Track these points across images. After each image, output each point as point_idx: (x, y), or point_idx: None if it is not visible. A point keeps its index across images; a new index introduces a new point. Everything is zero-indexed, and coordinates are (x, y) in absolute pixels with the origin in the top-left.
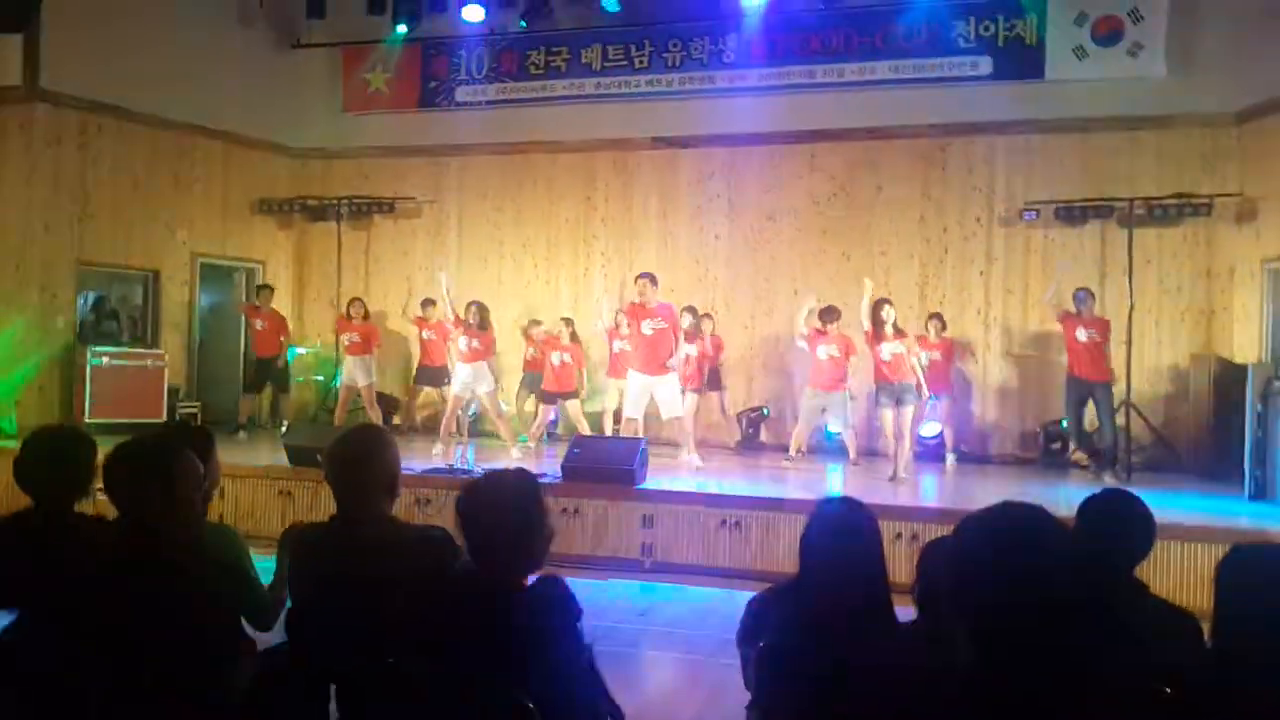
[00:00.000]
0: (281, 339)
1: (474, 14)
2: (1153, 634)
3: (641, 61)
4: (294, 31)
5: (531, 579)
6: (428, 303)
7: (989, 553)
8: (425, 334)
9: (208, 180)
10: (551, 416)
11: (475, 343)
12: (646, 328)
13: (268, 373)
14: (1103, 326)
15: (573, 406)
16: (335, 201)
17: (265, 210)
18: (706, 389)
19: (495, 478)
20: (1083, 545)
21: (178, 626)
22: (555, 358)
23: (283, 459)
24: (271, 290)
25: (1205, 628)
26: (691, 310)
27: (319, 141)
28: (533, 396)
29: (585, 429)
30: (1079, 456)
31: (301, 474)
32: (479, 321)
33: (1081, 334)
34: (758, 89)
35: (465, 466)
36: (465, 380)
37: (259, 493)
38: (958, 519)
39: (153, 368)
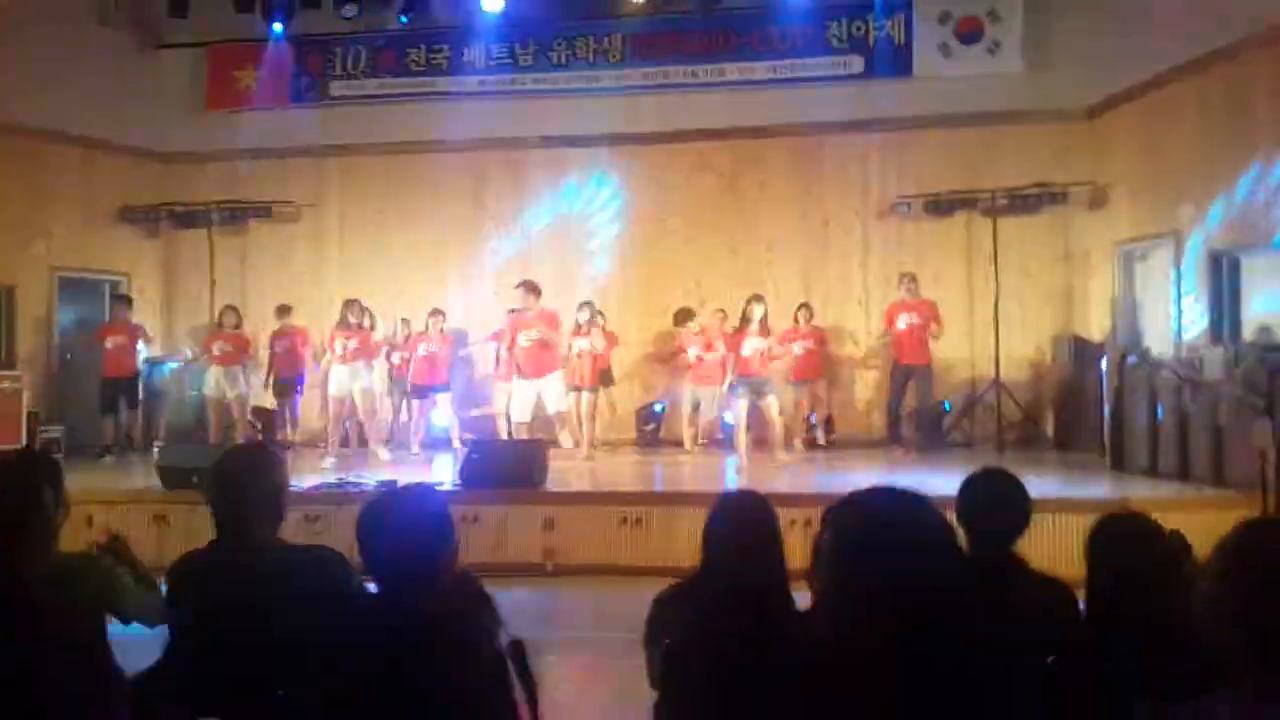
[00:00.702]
0: (135, 353)
1: (347, 9)
2: (1033, 606)
3: (526, 59)
4: (155, 31)
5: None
6: (283, 310)
7: (866, 539)
8: (279, 346)
9: (66, 189)
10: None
11: (353, 343)
12: (523, 339)
13: (118, 390)
14: (924, 310)
15: (444, 399)
16: (205, 207)
17: (130, 219)
18: (600, 385)
19: (397, 495)
20: (962, 523)
21: (40, 670)
22: (421, 348)
23: (155, 482)
24: (129, 301)
25: (1079, 595)
26: (588, 305)
27: (187, 145)
28: (405, 400)
29: (454, 426)
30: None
31: (177, 497)
32: (356, 322)
33: (902, 320)
34: (642, 87)
35: (355, 479)
36: (342, 381)
37: (131, 519)
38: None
39: (9, 390)
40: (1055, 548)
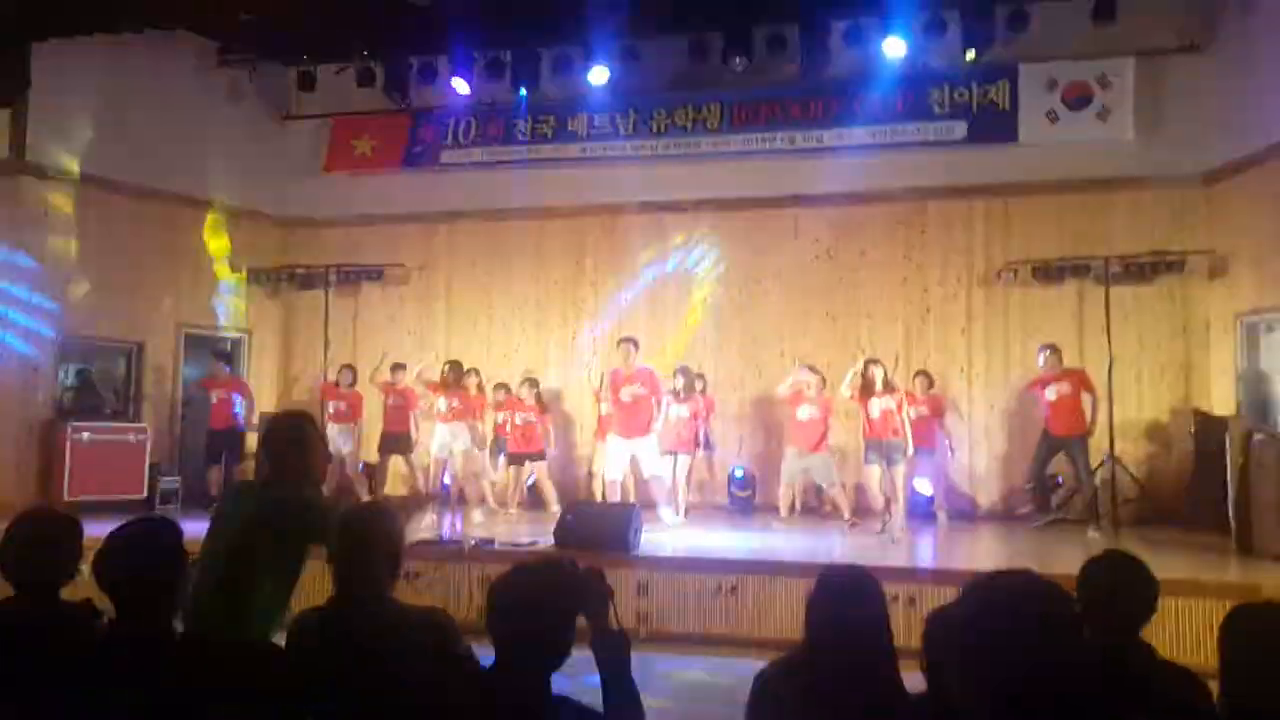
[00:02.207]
0: (236, 411)
1: (460, 86)
2: (1165, 698)
3: (626, 129)
4: (283, 104)
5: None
6: (397, 367)
7: (994, 630)
8: (391, 400)
9: (195, 250)
10: (528, 479)
11: (455, 402)
12: (625, 394)
13: (222, 443)
14: (1074, 379)
15: (540, 468)
16: (323, 269)
17: (253, 280)
18: (700, 450)
19: (530, 571)
20: (1088, 610)
21: None
22: (518, 418)
23: None
24: (227, 357)
25: (1211, 686)
26: (684, 371)
27: (307, 210)
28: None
29: (550, 492)
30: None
31: None
32: (456, 380)
33: (1050, 391)
34: (741, 154)
35: (455, 537)
36: (443, 441)
37: None
38: (955, 580)
39: (134, 442)
40: (1178, 633)
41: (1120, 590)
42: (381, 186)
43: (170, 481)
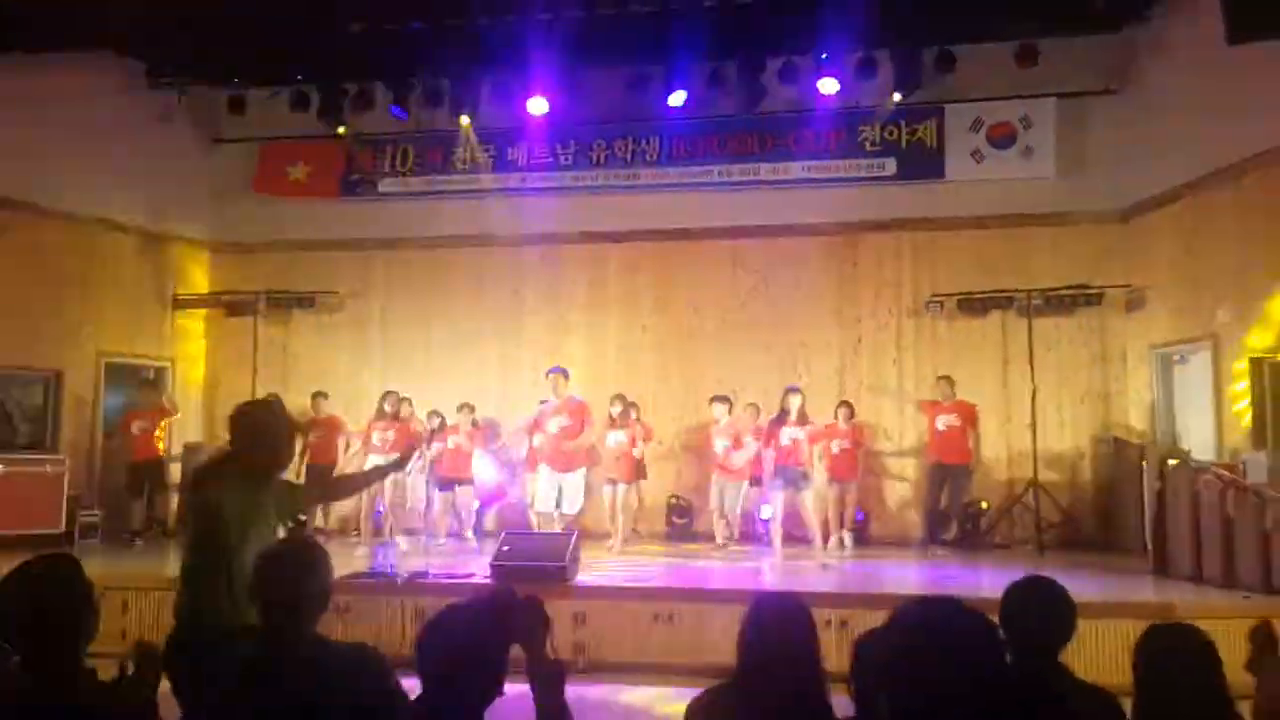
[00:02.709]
0: (157, 436)
1: (399, 112)
2: (1079, 717)
3: (566, 159)
4: (213, 127)
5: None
6: (319, 396)
7: (917, 654)
8: (313, 434)
9: (117, 276)
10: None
11: (390, 434)
12: (552, 425)
13: (144, 475)
14: (964, 411)
15: (464, 494)
16: (252, 295)
17: (179, 306)
18: (635, 479)
19: (455, 614)
20: (1009, 633)
21: None
22: (450, 441)
23: None
24: (154, 385)
25: (1125, 704)
26: (620, 398)
27: (236, 235)
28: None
29: (468, 520)
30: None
31: None
32: (394, 412)
33: (940, 421)
34: (679, 185)
35: (388, 569)
36: None
37: (165, 606)
38: (887, 604)
39: (51, 474)
40: (1098, 654)
41: (1040, 614)
42: (315, 212)
43: (90, 515)
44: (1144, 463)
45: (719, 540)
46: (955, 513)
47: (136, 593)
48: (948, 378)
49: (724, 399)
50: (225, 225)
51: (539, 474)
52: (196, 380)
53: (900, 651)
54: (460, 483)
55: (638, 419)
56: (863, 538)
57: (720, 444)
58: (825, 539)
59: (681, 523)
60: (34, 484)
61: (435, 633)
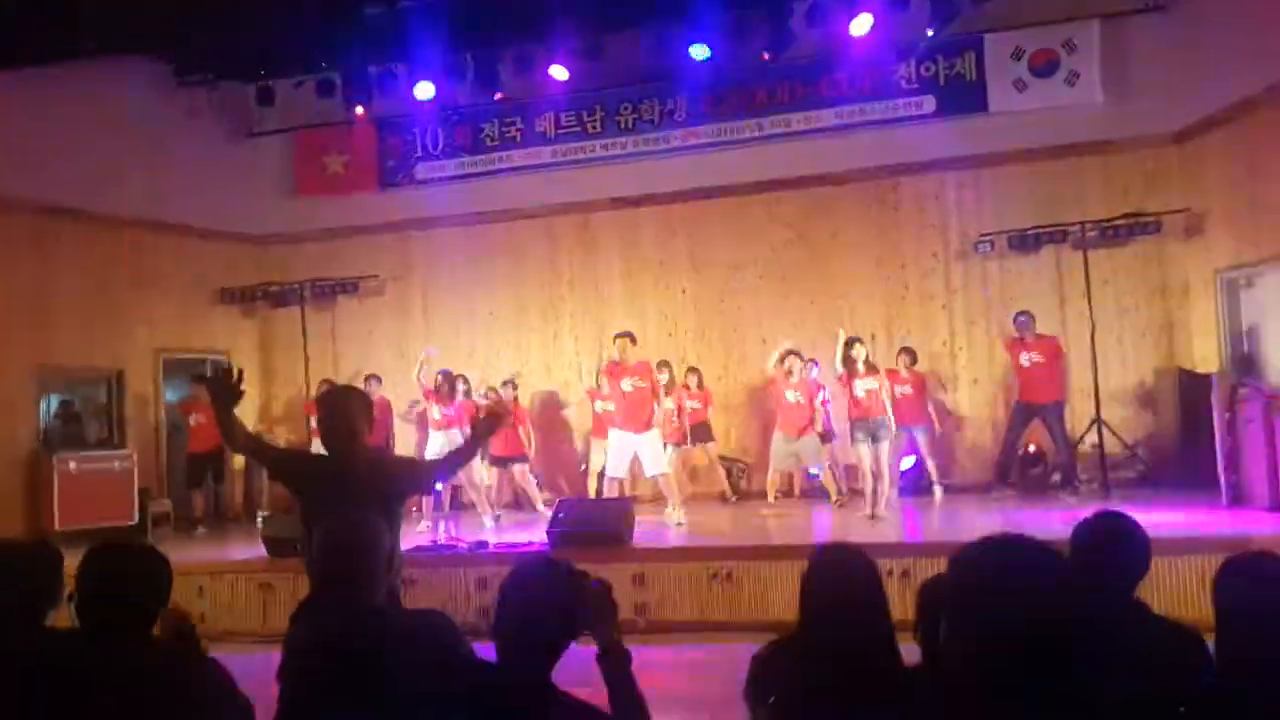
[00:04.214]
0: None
1: (424, 91)
2: (1160, 654)
3: (594, 126)
4: (246, 120)
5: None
6: (370, 379)
7: (985, 591)
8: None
9: (167, 274)
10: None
11: (449, 410)
12: (626, 385)
13: (204, 465)
14: (1048, 348)
15: (520, 470)
16: (297, 285)
17: (227, 300)
18: (693, 442)
19: (536, 566)
20: (1081, 571)
21: None
22: None
23: (259, 551)
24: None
25: (1208, 639)
26: (665, 365)
27: (278, 227)
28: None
29: (535, 493)
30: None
31: (280, 566)
32: (448, 390)
33: (1024, 358)
34: (709, 145)
35: (449, 542)
36: (438, 448)
37: (237, 588)
38: (946, 551)
39: (121, 469)
40: (1175, 591)
41: (1112, 548)
42: (352, 199)
43: (161, 505)
44: (1214, 393)
45: (770, 498)
46: (1062, 455)
47: (210, 577)
48: (1027, 312)
49: (796, 353)
50: (265, 217)
51: (610, 439)
52: (249, 371)
53: (963, 587)
54: (514, 460)
55: (700, 384)
56: (920, 486)
57: (793, 396)
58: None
59: (740, 480)
60: (105, 480)
61: (513, 587)
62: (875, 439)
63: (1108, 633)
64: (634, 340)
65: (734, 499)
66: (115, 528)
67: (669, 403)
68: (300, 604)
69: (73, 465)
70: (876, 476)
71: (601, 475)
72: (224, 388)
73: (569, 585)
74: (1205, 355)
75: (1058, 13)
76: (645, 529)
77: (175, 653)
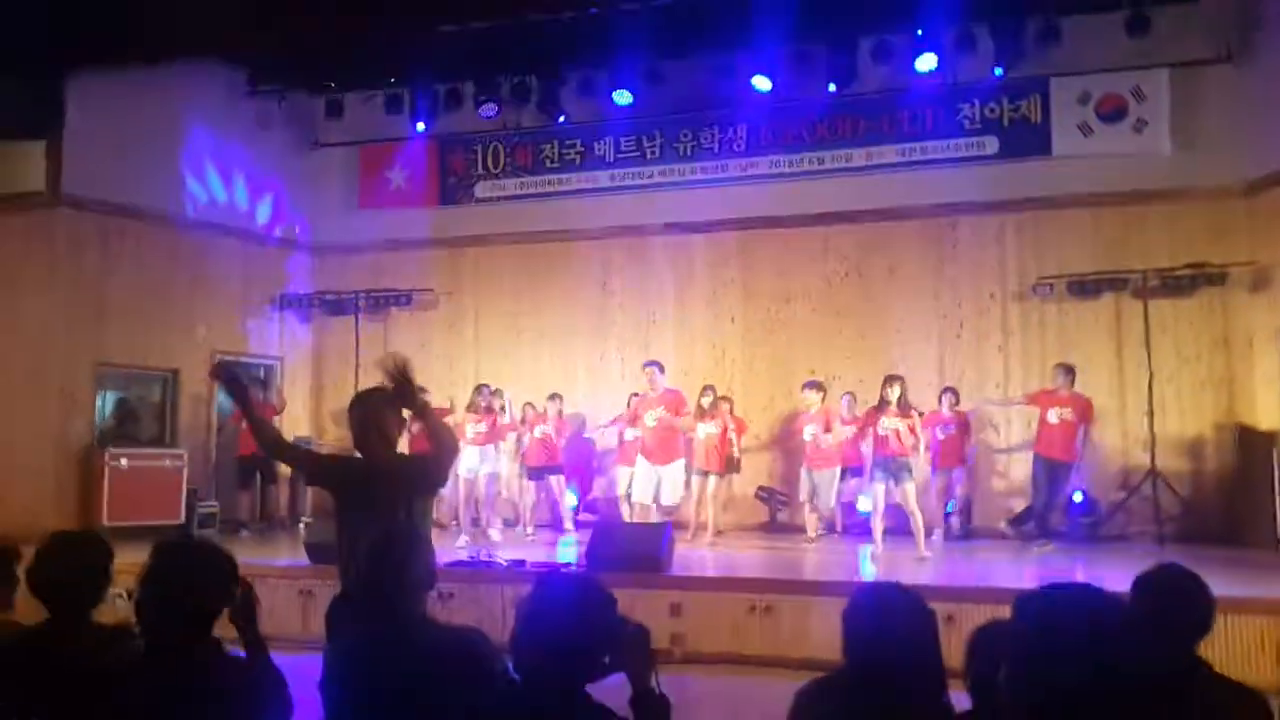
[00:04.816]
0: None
1: (487, 110)
2: (1222, 714)
3: (653, 152)
4: (312, 131)
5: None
6: (420, 390)
7: (1049, 639)
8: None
9: (225, 278)
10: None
11: (482, 426)
12: (649, 418)
13: (254, 467)
14: (1079, 406)
15: (556, 482)
16: (353, 295)
17: (283, 306)
18: (727, 471)
19: (563, 585)
20: (1142, 623)
21: None
22: (537, 431)
23: (302, 556)
24: (262, 383)
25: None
26: (710, 389)
27: (336, 236)
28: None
29: (566, 508)
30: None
31: (322, 572)
32: (486, 405)
33: (1053, 414)
34: (768, 176)
35: (487, 558)
36: (472, 464)
37: (279, 594)
38: (994, 598)
39: (171, 468)
40: (1230, 651)
41: (1175, 604)
42: (410, 212)
43: (208, 506)
44: (1275, 450)
45: (810, 533)
46: (1049, 508)
47: (255, 579)
48: (1066, 365)
49: (816, 384)
50: (325, 226)
51: (637, 466)
52: (304, 376)
53: (1028, 635)
54: (551, 471)
55: (731, 412)
56: (962, 529)
57: (810, 430)
58: (928, 533)
59: (777, 514)
60: (155, 478)
61: (533, 601)
62: (897, 480)
63: (1171, 688)
64: (661, 369)
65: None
66: (162, 525)
67: (711, 427)
68: (332, 602)
69: (124, 461)
70: (910, 515)
71: (629, 500)
72: (231, 380)
73: (600, 608)
74: (1267, 411)
75: (1127, 60)
76: (679, 555)
77: (234, 658)
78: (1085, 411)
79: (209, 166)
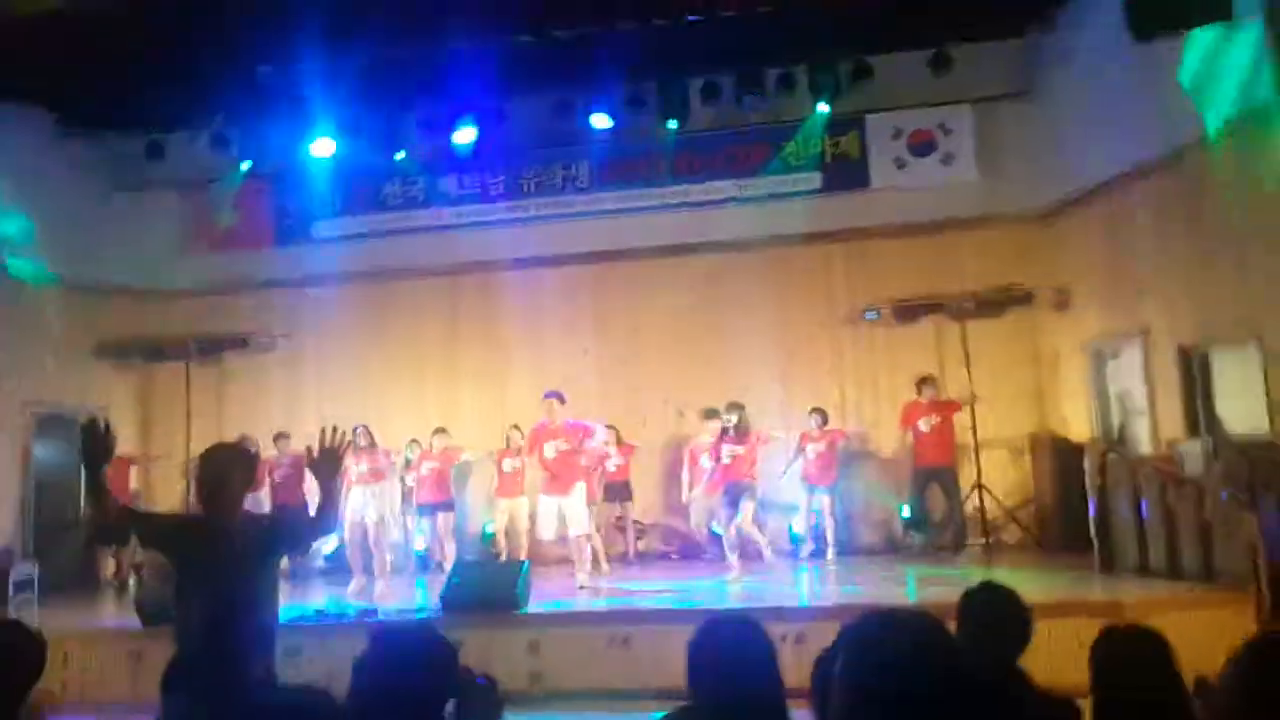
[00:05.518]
0: (128, 482)
1: (324, 148)
2: None
3: (497, 188)
4: (134, 172)
5: None
6: (280, 437)
7: (871, 663)
8: (279, 474)
9: (46, 326)
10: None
11: (363, 466)
12: (549, 449)
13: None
14: (946, 411)
15: (444, 520)
16: (183, 340)
17: (105, 355)
18: (609, 500)
19: (394, 635)
20: (965, 641)
21: None
22: (424, 467)
23: (132, 619)
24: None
25: (1084, 707)
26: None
27: (164, 281)
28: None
29: (451, 548)
30: (922, 542)
31: (154, 634)
32: (368, 443)
33: (923, 423)
34: (611, 211)
35: (335, 610)
36: (358, 504)
37: (106, 656)
38: (844, 616)
39: None
40: (1051, 654)
41: (997, 621)
42: (242, 253)
43: (25, 569)
44: (1085, 460)
45: (729, 560)
46: (955, 517)
47: (78, 643)
48: (929, 378)
49: (715, 413)
50: (151, 271)
51: (539, 503)
52: (129, 426)
53: (853, 665)
54: (442, 508)
55: (619, 441)
56: (817, 548)
57: (707, 460)
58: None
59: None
60: None
61: (363, 660)
62: (733, 504)
63: (989, 704)
64: (563, 400)
65: (635, 560)
66: None
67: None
68: (169, 666)
69: None
70: (743, 537)
71: (506, 536)
72: (94, 441)
73: (439, 657)
74: (1076, 423)
75: (934, 96)
76: (550, 591)
77: None
78: (950, 409)
79: (20, 209)
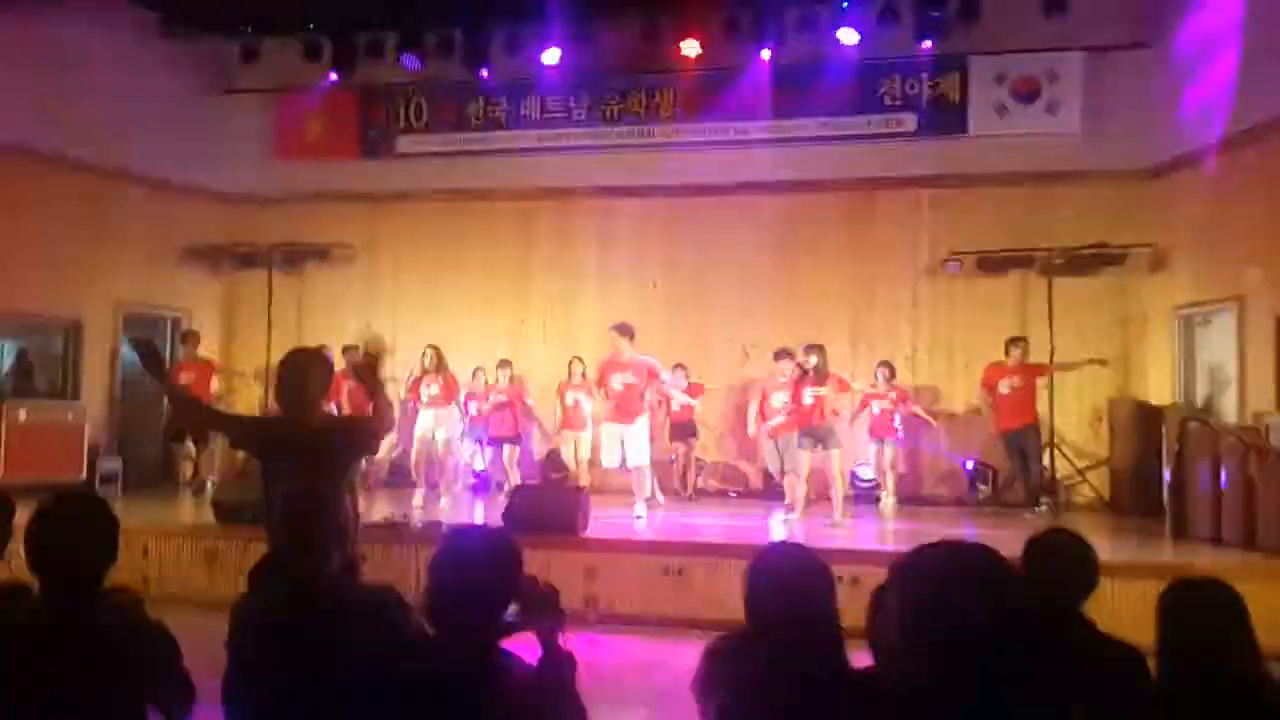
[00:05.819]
0: (210, 386)
1: (412, 63)
2: (1106, 668)
3: (580, 113)
4: (226, 76)
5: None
6: (349, 349)
7: (942, 595)
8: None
9: (132, 226)
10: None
11: (435, 388)
12: (616, 381)
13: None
14: (1025, 373)
15: (510, 451)
16: (267, 248)
17: (193, 258)
18: (674, 439)
19: (466, 535)
20: (1031, 583)
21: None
22: (491, 399)
23: (209, 517)
24: (196, 337)
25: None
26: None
27: (251, 187)
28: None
29: (515, 477)
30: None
31: (229, 533)
32: (436, 365)
33: (1003, 385)
34: (693, 144)
35: (402, 519)
36: (427, 425)
37: (184, 551)
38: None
39: (72, 423)
40: (1115, 614)
41: (1061, 563)
42: (328, 164)
43: (110, 462)
44: (1164, 426)
45: (788, 500)
46: (1031, 475)
47: (156, 538)
48: (1019, 339)
49: (788, 353)
50: (238, 177)
51: (602, 431)
52: (212, 331)
53: (907, 596)
54: (509, 441)
55: (687, 379)
56: (877, 497)
57: (780, 399)
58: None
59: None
60: (55, 432)
61: (442, 555)
62: (824, 445)
63: (1054, 641)
64: (626, 333)
65: (695, 497)
66: (62, 481)
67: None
68: (256, 565)
69: (23, 414)
70: (829, 483)
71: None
72: (146, 359)
73: (506, 555)
74: (1159, 388)
75: (1043, 41)
76: (609, 522)
77: (126, 614)
78: (1033, 372)
79: (113, 108)
